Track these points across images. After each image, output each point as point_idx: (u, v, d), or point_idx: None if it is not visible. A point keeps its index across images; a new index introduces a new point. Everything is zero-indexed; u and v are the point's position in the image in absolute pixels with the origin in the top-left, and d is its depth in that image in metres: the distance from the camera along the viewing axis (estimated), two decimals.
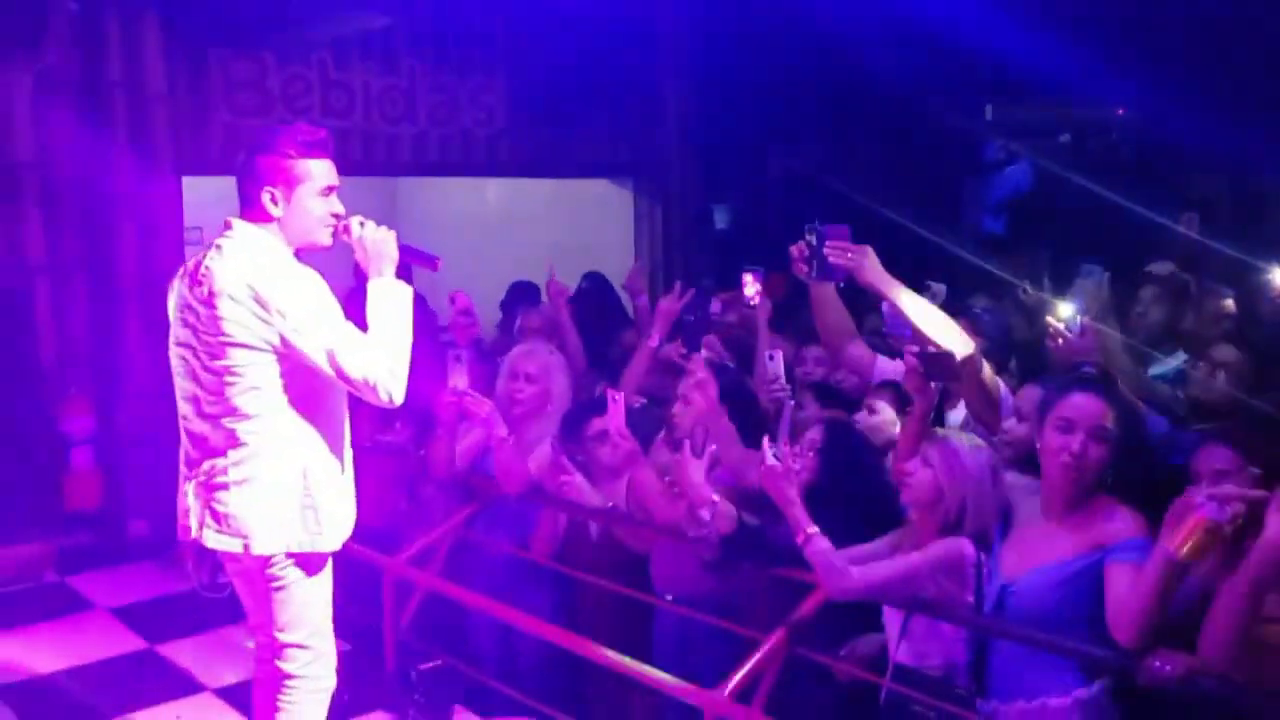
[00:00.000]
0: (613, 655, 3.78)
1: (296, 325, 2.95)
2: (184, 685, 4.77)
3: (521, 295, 6.86)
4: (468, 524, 4.68)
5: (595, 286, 6.79)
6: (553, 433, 4.46)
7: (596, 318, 6.40)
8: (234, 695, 4.60)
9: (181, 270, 3.18)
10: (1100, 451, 3.01)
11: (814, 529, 3.26)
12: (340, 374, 2.96)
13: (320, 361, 2.95)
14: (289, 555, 3.09)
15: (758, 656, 3.37)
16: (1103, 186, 9.65)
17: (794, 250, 3.92)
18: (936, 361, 3.36)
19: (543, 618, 4.30)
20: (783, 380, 4.38)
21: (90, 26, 6.40)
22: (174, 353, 3.16)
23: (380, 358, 2.99)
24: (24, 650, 5.04)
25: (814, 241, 3.81)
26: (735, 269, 5.74)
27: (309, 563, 3.15)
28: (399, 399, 3.04)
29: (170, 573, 6.05)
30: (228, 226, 3.12)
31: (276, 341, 2.97)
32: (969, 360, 3.60)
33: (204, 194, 7.04)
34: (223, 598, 5.54)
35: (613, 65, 8.58)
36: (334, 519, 3.14)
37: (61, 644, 5.16)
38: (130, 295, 6.61)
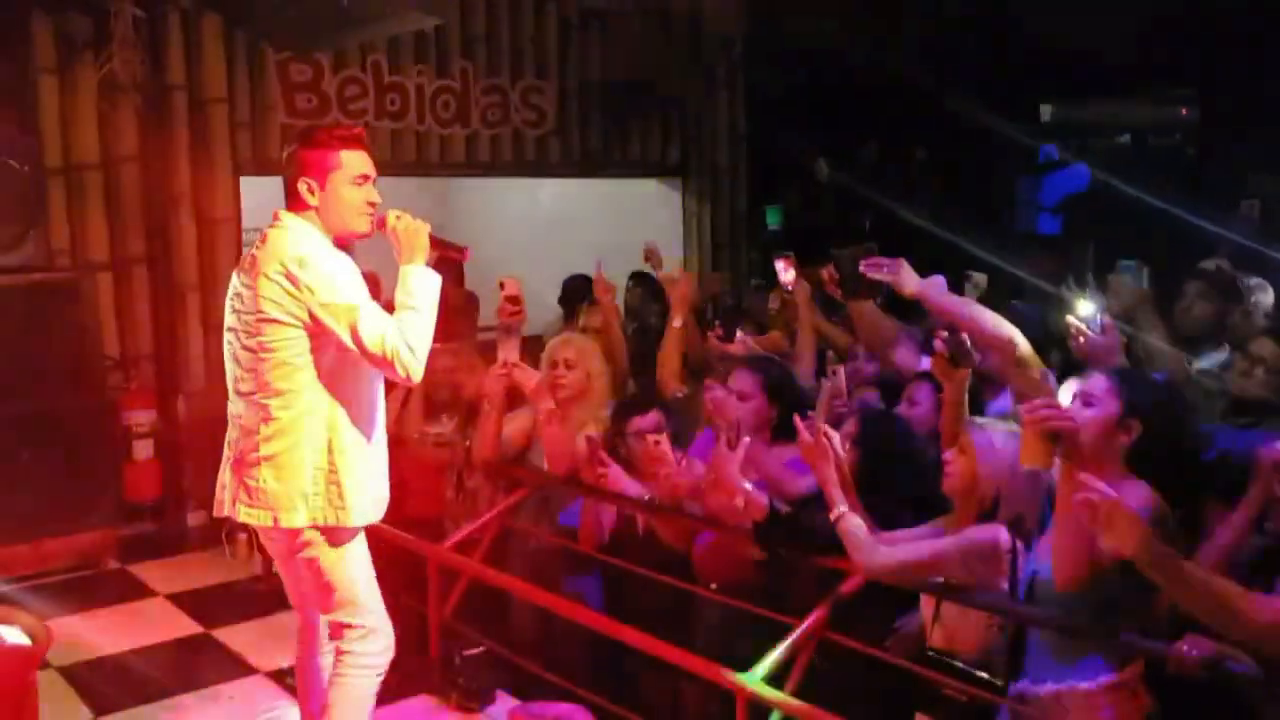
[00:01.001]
0: (648, 639, 3.82)
1: (323, 299, 3.09)
2: (237, 668, 4.92)
3: (580, 290, 6.96)
4: (513, 513, 4.77)
5: (642, 289, 6.86)
6: (595, 415, 4.54)
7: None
8: (285, 678, 4.73)
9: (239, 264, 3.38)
10: (1087, 417, 3.03)
11: (845, 507, 3.33)
12: (361, 347, 3.08)
13: (344, 335, 3.09)
14: (316, 529, 3.20)
15: (790, 641, 3.41)
16: (1164, 186, 9.56)
17: (824, 274, 4.01)
18: (960, 347, 3.40)
19: (586, 605, 4.36)
20: (845, 396, 4.40)
21: (153, 30, 6.61)
22: (225, 339, 3.33)
23: (400, 334, 3.11)
24: (86, 632, 5.21)
25: (843, 265, 3.89)
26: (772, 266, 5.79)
27: (334, 537, 3.25)
28: (416, 376, 3.18)
29: (226, 562, 6.23)
30: (276, 218, 3.29)
31: (306, 316, 3.11)
32: (1011, 348, 3.67)
33: (263, 195, 7.23)
34: (277, 586, 5.73)
35: (662, 67, 8.67)
36: (358, 495, 3.23)
37: (122, 627, 5.34)
38: (190, 292, 6.81)
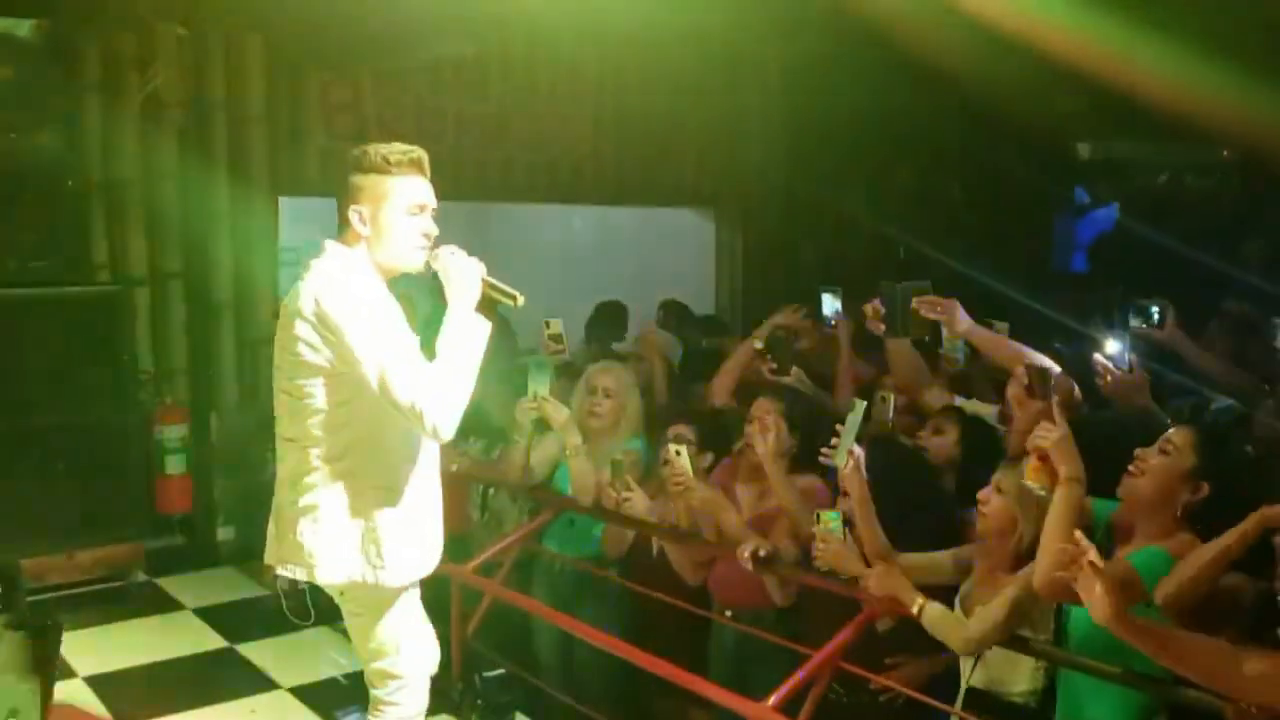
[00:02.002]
0: (664, 665, 3.83)
1: (352, 342, 2.83)
2: (260, 682, 4.95)
3: (609, 316, 6.99)
4: (537, 536, 4.79)
5: (673, 317, 6.89)
6: (622, 448, 4.56)
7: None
8: (306, 694, 4.78)
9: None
10: (1156, 463, 3.00)
11: (923, 599, 3.26)
12: (389, 398, 2.82)
13: (371, 381, 2.82)
14: (355, 586, 3.02)
15: (806, 670, 3.40)
16: (1204, 226, 9.51)
17: (868, 309, 4.00)
18: (1041, 378, 3.37)
19: (605, 630, 4.37)
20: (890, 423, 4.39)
21: (196, 50, 6.70)
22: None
23: (434, 386, 2.83)
24: (113, 644, 5.26)
25: (893, 300, 3.88)
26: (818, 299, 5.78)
27: (373, 594, 3.06)
28: (446, 434, 2.87)
29: (253, 577, 6.27)
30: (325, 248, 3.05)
31: (335, 360, 2.86)
32: (1069, 390, 3.68)
33: (301, 215, 7.33)
34: (301, 603, 5.77)
35: (699, 97, 8.71)
36: (399, 553, 3.00)
37: (148, 639, 5.39)
38: (225, 310, 6.88)
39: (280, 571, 3.07)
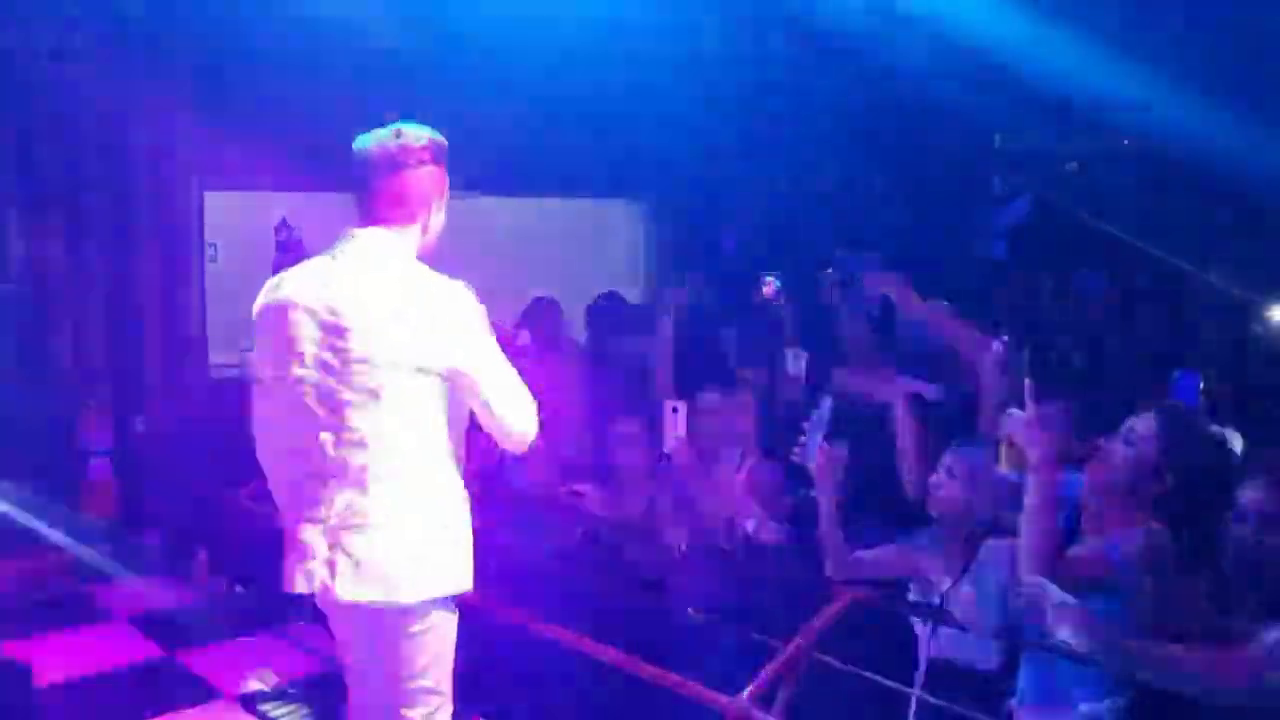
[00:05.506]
0: (633, 661, 3.81)
1: (480, 351, 2.81)
2: (203, 692, 4.79)
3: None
4: (486, 532, 4.72)
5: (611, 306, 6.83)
6: (574, 440, 4.54)
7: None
8: (253, 702, 4.65)
9: (293, 286, 2.87)
10: (1121, 455, 3.03)
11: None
12: (506, 407, 2.82)
13: (489, 394, 2.81)
14: (433, 601, 2.87)
15: (778, 662, 3.40)
16: (1109, 214, 9.77)
17: (823, 278, 4.04)
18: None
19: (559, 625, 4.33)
20: (803, 381, 4.45)
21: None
22: (298, 375, 2.81)
23: (530, 400, 2.89)
24: (43, 657, 5.04)
25: (845, 275, 3.92)
26: (742, 289, 5.79)
27: (446, 607, 2.95)
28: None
29: (186, 584, 6.10)
30: (348, 236, 2.89)
31: (448, 365, 2.78)
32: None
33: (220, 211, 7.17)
34: (240, 608, 5.64)
35: (625, 88, 8.67)
36: (471, 558, 2.94)
37: (80, 652, 5.20)
38: (150, 309, 6.68)
39: (345, 597, 2.79)
